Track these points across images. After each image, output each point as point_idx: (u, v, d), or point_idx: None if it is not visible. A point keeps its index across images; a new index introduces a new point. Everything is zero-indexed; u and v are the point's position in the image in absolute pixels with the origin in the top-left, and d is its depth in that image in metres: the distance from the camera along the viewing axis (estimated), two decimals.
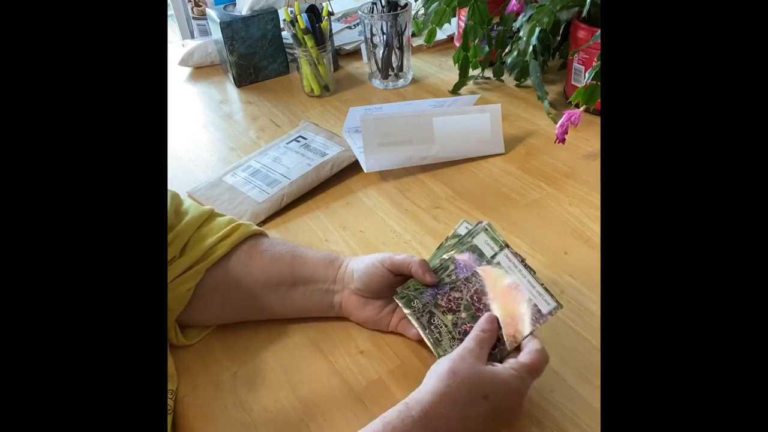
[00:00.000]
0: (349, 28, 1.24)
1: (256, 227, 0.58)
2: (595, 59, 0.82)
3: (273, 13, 1.05)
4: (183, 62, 1.17)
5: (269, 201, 0.74)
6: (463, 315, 0.50)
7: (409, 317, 0.51)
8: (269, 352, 0.55)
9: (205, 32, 1.33)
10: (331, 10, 1.00)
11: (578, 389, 0.49)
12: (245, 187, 0.77)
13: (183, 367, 0.54)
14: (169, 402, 0.50)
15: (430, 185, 0.77)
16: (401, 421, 0.41)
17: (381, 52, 1.00)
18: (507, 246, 0.50)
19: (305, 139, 0.86)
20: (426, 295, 0.51)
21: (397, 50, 1.00)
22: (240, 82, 1.08)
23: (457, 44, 1.00)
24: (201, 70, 1.19)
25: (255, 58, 1.07)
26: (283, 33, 1.08)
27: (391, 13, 0.96)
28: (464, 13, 0.99)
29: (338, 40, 1.18)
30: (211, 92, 1.10)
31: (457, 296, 0.50)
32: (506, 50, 0.96)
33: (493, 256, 0.50)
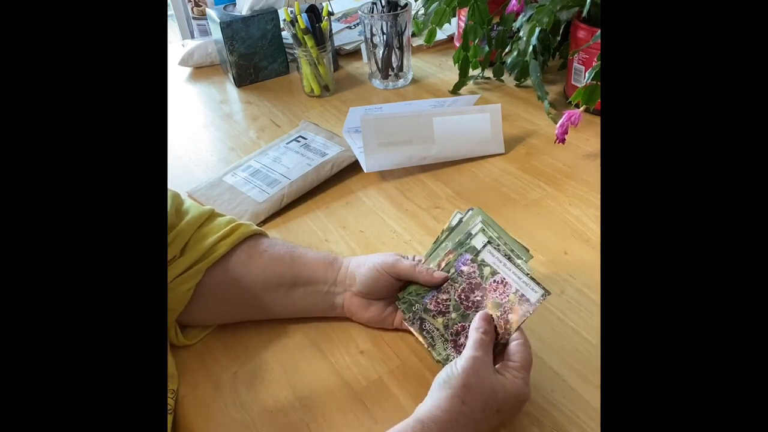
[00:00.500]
0: (349, 28, 1.24)
1: (256, 227, 0.58)
2: (595, 59, 0.82)
3: (273, 13, 1.05)
4: (183, 62, 1.17)
5: (269, 201, 0.74)
6: (453, 315, 0.50)
7: (407, 324, 0.52)
8: (269, 352, 0.55)
9: (205, 32, 1.33)
10: (331, 10, 1.00)
11: (578, 389, 0.49)
12: (245, 187, 0.77)
13: (183, 367, 0.54)
14: (170, 401, 0.50)
15: (430, 185, 0.77)
16: None
17: (381, 52, 1.00)
18: (489, 242, 0.50)
19: (305, 139, 0.86)
20: (426, 298, 0.51)
21: (397, 50, 1.00)
22: (240, 82, 1.08)
23: (457, 44, 1.00)
24: (201, 70, 1.19)
25: (255, 58, 1.07)
26: (283, 33, 1.08)
27: (391, 13, 0.96)
28: (464, 13, 0.99)
29: (338, 40, 1.18)
30: (211, 92, 1.10)
31: (444, 298, 0.50)
32: (506, 50, 0.96)
33: (477, 254, 0.50)
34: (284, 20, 0.99)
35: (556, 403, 0.48)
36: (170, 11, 1.66)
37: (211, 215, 0.58)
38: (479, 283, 0.49)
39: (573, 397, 0.49)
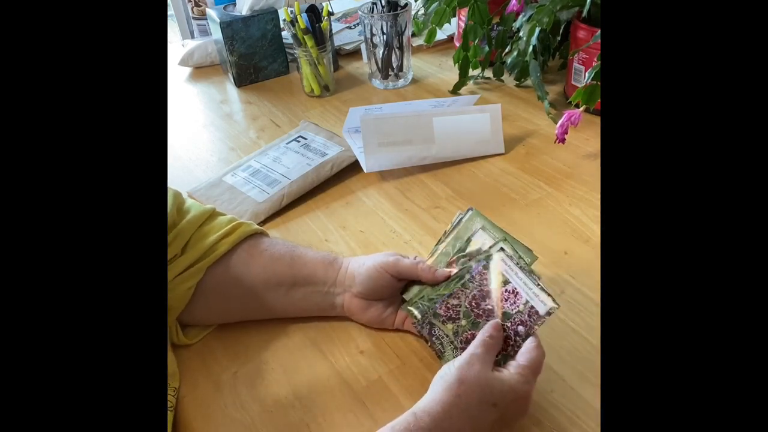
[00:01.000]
0: (349, 28, 1.24)
1: (257, 226, 0.58)
2: (595, 59, 0.82)
3: (273, 13, 1.05)
4: (183, 62, 1.17)
5: (269, 201, 0.74)
6: (463, 322, 0.49)
7: (417, 329, 0.51)
8: (269, 352, 0.55)
9: (205, 32, 1.33)
10: (331, 10, 1.00)
11: (578, 389, 0.49)
12: (245, 187, 0.77)
13: (183, 366, 0.54)
14: (171, 399, 0.50)
15: (430, 185, 0.77)
16: None
17: (381, 52, 1.00)
18: (502, 249, 0.49)
19: (305, 139, 0.86)
20: (436, 303, 0.51)
21: (397, 50, 1.00)
22: (240, 82, 1.08)
23: (457, 44, 1.00)
24: (201, 70, 1.19)
25: (255, 58, 1.07)
26: (283, 33, 1.08)
27: (391, 13, 0.96)
28: (464, 13, 0.99)
29: (338, 40, 1.18)
30: (211, 92, 1.10)
31: (455, 303, 0.50)
32: (506, 50, 0.96)
33: (489, 261, 0.49)
34: (284, 20, 0.99)
35: (556, 403, 0.48)
36: (170, 11, 1.66)
37: (212, 214, 0.58)
38: (490, 291, 0.49)
39: (573, 397, 0.49)
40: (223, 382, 0.53)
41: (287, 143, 0.85)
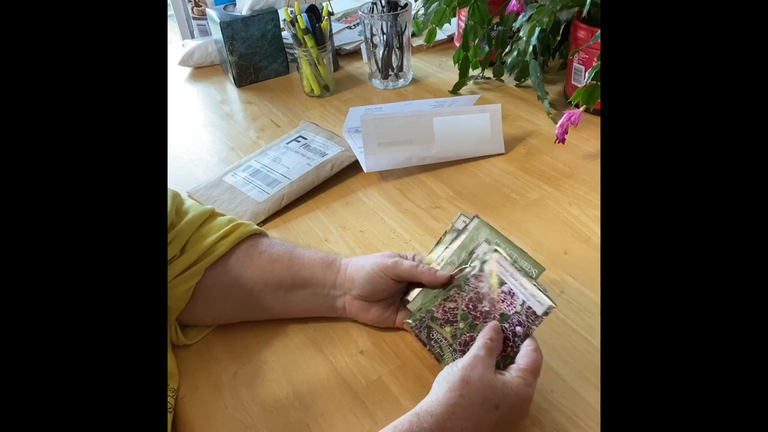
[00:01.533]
0: (349, 28, 1.24)
1: (256, 227, 0.58)
2: (595, 59, 0.82)
3: (273, 13, 1.05)
4: (183, 62, 1.17)
5: (269, 201, 0.74)
6: (461, 325, 0.49)
7: (414, 333, 0.50)
8: (269, 352, 0.55)
9: (205, 32, 1.33)
10: (331, 10, 1.00)
11: (578, 389, 0.49)
12: (245, 187, 0.77)
13: (183, 367, 0.54)
14: (171, 400, 0.50)
15: (430, 185, 0.77)
16: None
17: (381, 52, 1.00)
18: (496, 250, 0.49)
19: (305, 139, 0.86)
20: (432, 306, 0.50)
21: (397, 50, 1.00)
22: (240, 82, 1.08)
23: (457, 44, 1.00)
24: (201, 70, 1.19)
25: (255, 58, 1.07)
26: (283, 33, 1.08)
27: (391, 13, 0.96)
28: (464, 13, 0.99)
29: (338, 40, 1.18)
30: (211, 92, 1.10)
31: (452, 306, 0.49)
32: (506, 50, 0.96)
33: (484, 263, 0.49)
34: (284, 20, 0.99)
35: (556, 403, 0.48)
36: (170, 11, 1.66)
37: (212, 214, 0.58)
38: (487, 293, 0.49)
39: (573, 397, 0.49)
40: (223, 382, 0.53)
41: (287, 143, 0.85)
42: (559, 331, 0.54)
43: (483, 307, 0.49)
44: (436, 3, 0.95)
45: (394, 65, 1.02)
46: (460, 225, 0.54)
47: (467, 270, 0.50)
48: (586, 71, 0.85)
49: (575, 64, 0.87)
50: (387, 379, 0.52)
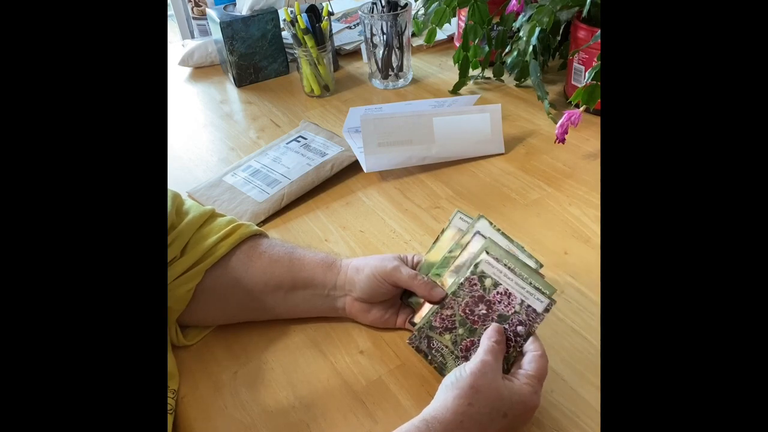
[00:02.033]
0: (349, 28, 1.24)
1: (256, 227, 0.58)
2: (595, 59, 0.82)
3: (273, 13, 1.05)
4: (183, 62, 1.17)
5: (269, 201, 0.74)
6: (460, 331, 0.48)
7: (414, 345, 0.50)
8: (269, 352, 0.55)
9: (205, 32, 1.33)
10: (331, 10, 1.00)
11: (578, 389, 0.49)
12: (245, 187, 0.77)
13: (183, 367, 0.54)
14: (171, 401, 0.50)
15: (430, 185, 0.77)
16: None
17: (381, 52, 1.00)
18: (488, 252, 0.48)
19: (305, 139, 0.86)
20: (430, 316, 0.50)
21: (397, 50, 1.00)
22: (240, 82, 1.08)
23: (457, 44, 1.00)
24: (201, 70, 1.19)
25: (255, 58, 1.07)
26: (283, 33, 1.08)
27: (391, 13, 0.96)
28: (464, 13, 0.99)
29: (338, 40, 1.18)
30: (211, 92, 1.10)
31: (449, 314, 0.49)
32: (506, 50, 0.96)
33: (476, 265, 0.48)
34: (284, 20, 0.99)
35: (556, 403, 0.48)
36: (170, 11, 1.66)
37: (212, 215, 0.58)
38: (482, 296, 0.48)
39: (573, 397, 0.49)
40: (223, 382, 0.53)
41: (287, 143, 0.85)
42: (559, 331, 0.54)
43: (480, 310, 0.48)
44: (436, 3, 0.95)
45: (394, 65, 1.02)
46: (457, 222, 0.54)
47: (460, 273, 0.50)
48: (586, 71, 0.85)
49: (575, 64, 0.87)
50: (387, 379, 0.52)
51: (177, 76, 1.17)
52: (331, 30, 1.03)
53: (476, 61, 0.96)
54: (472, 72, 0.98)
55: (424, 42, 1.05)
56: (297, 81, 1.09)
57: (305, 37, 0.96)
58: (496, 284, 0.48)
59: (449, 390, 0.42)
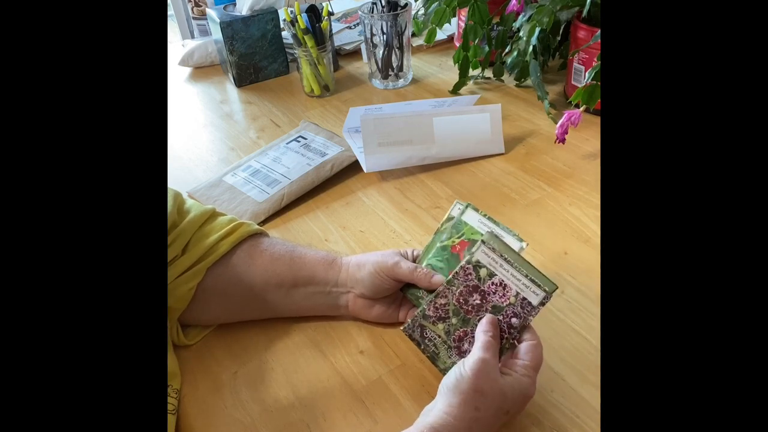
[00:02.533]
0: (349, 28, 1.24)
1: (257, 226, 0.58)
2: (595, 59, 0.82)
3: (273, 13, 1.05)
4: (183, 62, 1.17)
5: (269, 201, 0.74)
6: (454, 321, 0.48)
7: (407, 333, 0.50)
8: (269, 352, 0.55)
9: (205, 32, 1.33)
10: (331, 10, 1.00)
11: (578, 389, 0.49)
12: (245, 187, 0.77)
13: (183, 367, 0.54)
14: (173, 401, 0.50)
15: (430, 185, 0.77)
16: None
17: (381, 52, 1.00)
18: (483, 242, 0.48)
19: (305, 139, 0.86)
20: (424, 304, 0.50)
21: (397, 50, 1.00)
22: (240, 82, 1.08)
23: (457, 44, 1.00)
24: (201, 70, 1.19)
25: (255, 58, 1.07)
26: (283, 33, 1.08)
27: (391, 13, 0.96)
28: (464, 13, 0.99)
29: (338, 40, 1.18)
30: (211, 92, 1.10)
31: (443, 302, 0.49)
32: (506, 50, 0.96)
33: (471, 255, 0.48)
34: (284, 20, 0.99)
35: (556, 403, 0.48)
36: (170, 11, 1.66)
37: (213, 214, 0.58)
38: (477, 286, 0.48)
39: (573, 397, 0.49)
40: (223, 382, 0.53)
41: (287, 143, 0.85)
42: (559, 331, 0.54)
43: (474, 300, 0.48)
44: (436, 3, 0.95)
45: (394, 65, 1.02)
46: (455, 212, 0.55)
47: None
48: (586, 71, 0.85)
49: (575, 64, 0.87)
50: (387, 378, 0.52)
51: (177, 76, 1.17)
52: (331, 30, 1.03)
53: (476, 61, 0.96)
54: (472, 72, 0.98)
55: (424, 42, 1.05)
56: (297, 81, 1.09)
57: (305, 37, 0.96)
58: (491, 274, 0.47)
59: (453, 394, 0.42)
